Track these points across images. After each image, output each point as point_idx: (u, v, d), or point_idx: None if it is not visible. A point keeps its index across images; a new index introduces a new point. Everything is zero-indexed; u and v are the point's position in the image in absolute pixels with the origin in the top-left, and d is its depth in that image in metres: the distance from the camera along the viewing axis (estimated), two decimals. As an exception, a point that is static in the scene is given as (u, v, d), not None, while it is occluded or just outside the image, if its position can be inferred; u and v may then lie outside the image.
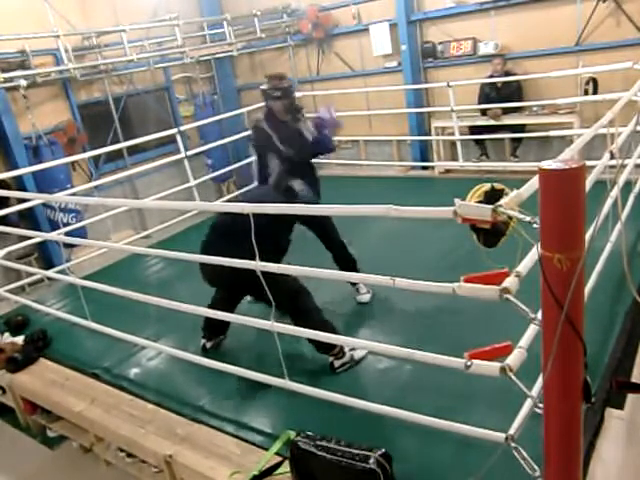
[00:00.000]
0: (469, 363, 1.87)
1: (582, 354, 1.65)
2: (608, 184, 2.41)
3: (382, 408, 2.32)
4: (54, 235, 4.41)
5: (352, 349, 3.30)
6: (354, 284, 4.13)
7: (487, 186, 1.85)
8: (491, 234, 1.75)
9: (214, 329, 3.69)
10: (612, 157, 2.98)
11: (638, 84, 3.93)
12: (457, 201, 1.71)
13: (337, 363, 3.28)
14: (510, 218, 1.62)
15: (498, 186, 1.84)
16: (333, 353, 3.26)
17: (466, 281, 1.78)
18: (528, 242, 1.66)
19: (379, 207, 1.98)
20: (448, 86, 6.40)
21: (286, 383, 2.68)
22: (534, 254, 1.78)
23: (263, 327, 2.64)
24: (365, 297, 4.11)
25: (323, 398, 2.74)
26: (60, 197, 4.80)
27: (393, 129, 7.90)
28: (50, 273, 4.54)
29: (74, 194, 5.85)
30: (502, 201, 1.66)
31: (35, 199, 4.72)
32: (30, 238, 4.89)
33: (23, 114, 6.18)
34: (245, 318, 2.77)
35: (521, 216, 1.60)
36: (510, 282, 1.70)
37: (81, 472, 3.61)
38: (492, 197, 1.79)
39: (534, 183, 1.79)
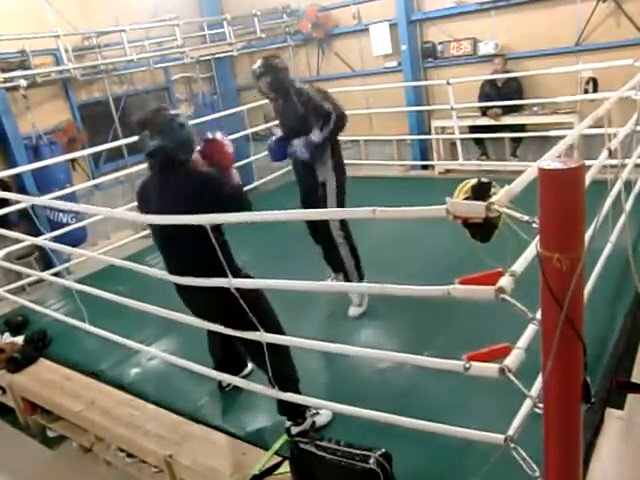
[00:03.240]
0: (468, 365, 1.86)
1: (582, 354, 1.65)
2: (608, 183, 2.42)
3: (381, 415, 2.32)
4: (41, 240, 4.36)
5: (316, 413, 2.87)
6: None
7: (473, 181, 1.84)
8: (485, 228, 1.74)
9: (232, 367, 3.17)
10: (610, 155, 2.97)
11: (635, 79, 3.91)
12: (448, 199, 1.70)
13: (295, 430, 2.82)
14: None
15: (485, 180, 1.84)
16: (292, 418, 2.84)
17: (461, 282, 1.76)
18: (525, 240, 1.65)
19: (363, 209, 1.91)
20: (448, 84, 6.40)
21: (278, 394, 2.66)
22: (531, 252, 1.78)
23: (252, 338, 2.57)
24: (353, 311, 3.89)
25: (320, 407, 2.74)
26: (48, 201, 4.74)
27: (393, 129, 7.90)
28: (46, 275, 4.47)
29: (74, 194, 5.85)
30: (494, 197, 1.65)
31: (26, 201, 4.68)
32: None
33: (23, 114, 6.17)
34: (233, 331, 2.70)
35: (518, 215, 1.60)
36: (505, 282, 1.69)
37: (81, 472, 3.61)
38: (479, 192, 1.78)
39: (525, 178, 1.79)
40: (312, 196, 3.84)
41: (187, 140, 2.60)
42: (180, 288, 2.77)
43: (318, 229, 3.92)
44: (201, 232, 2.25)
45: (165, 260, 2.79)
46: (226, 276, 2.35)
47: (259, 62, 3.70)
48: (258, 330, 2.49)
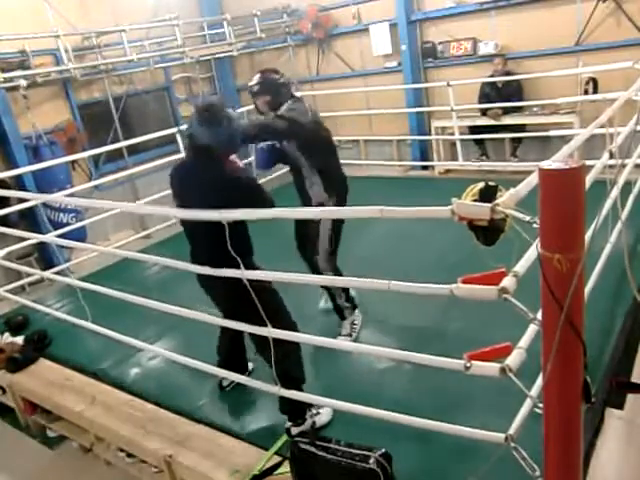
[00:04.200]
0: (469, 364, 1.86)
1: (582, 354, 1.65)
2: (608, 184, 2.42)
3: (382, 412, 2.32)
4: (47, 237, 4.38)
5: (317, 413, 2.90)
6: (339, 313, 3.71)
7: (481, 184, 1.84)
8: (490, 231, 1.75)
9: (234, 368, 3.13)
10: (611, 157, 2.98)
11: (637, 84, 3.93)
12: (454, 200, 1.71)
13: (295, 430, 2.84)
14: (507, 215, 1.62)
15: (492, 183, 1.85)
16: (293, 418, 2.87)
17: (464, 282, 1.76)
18: (527, 241, 1.66)
19: (370, 208, 1.92)
20: (448, 85, 6.40)
21: (280, 390, 2.66)
22: (533, 253, 1.78)
23: (260, 333, 2.59)
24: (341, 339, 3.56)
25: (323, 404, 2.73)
26: (57, 197, 4.79)
27: (393, 129, 7.90)
28: (48, 274, 4.50)
29: (74, 194, 5.85)
30: (499, 199, 1.66)
31: (32, 199, 4.69)
32: (29, 238, 4.87)
33: (23, 114, 6.17)
34: (241, 324, 2.71)
35: (520, 215, 1.60)
36: (508, 282, 1.69)
37: (81, 472, 3.61)
38: (487, 195, 1.78)
39: (531, 181, 1.79)
40: (304, 224, 3.54)
41: (228, 139, 2.66)
42: (202, 275, 2.82)
43: (306, 251, 3.61)
44: (221, 225, 2.34)
45: (191, 245, 2.90)
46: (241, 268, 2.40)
47: (256, 78, 3.43)
48: (269, 326, 2.52)
